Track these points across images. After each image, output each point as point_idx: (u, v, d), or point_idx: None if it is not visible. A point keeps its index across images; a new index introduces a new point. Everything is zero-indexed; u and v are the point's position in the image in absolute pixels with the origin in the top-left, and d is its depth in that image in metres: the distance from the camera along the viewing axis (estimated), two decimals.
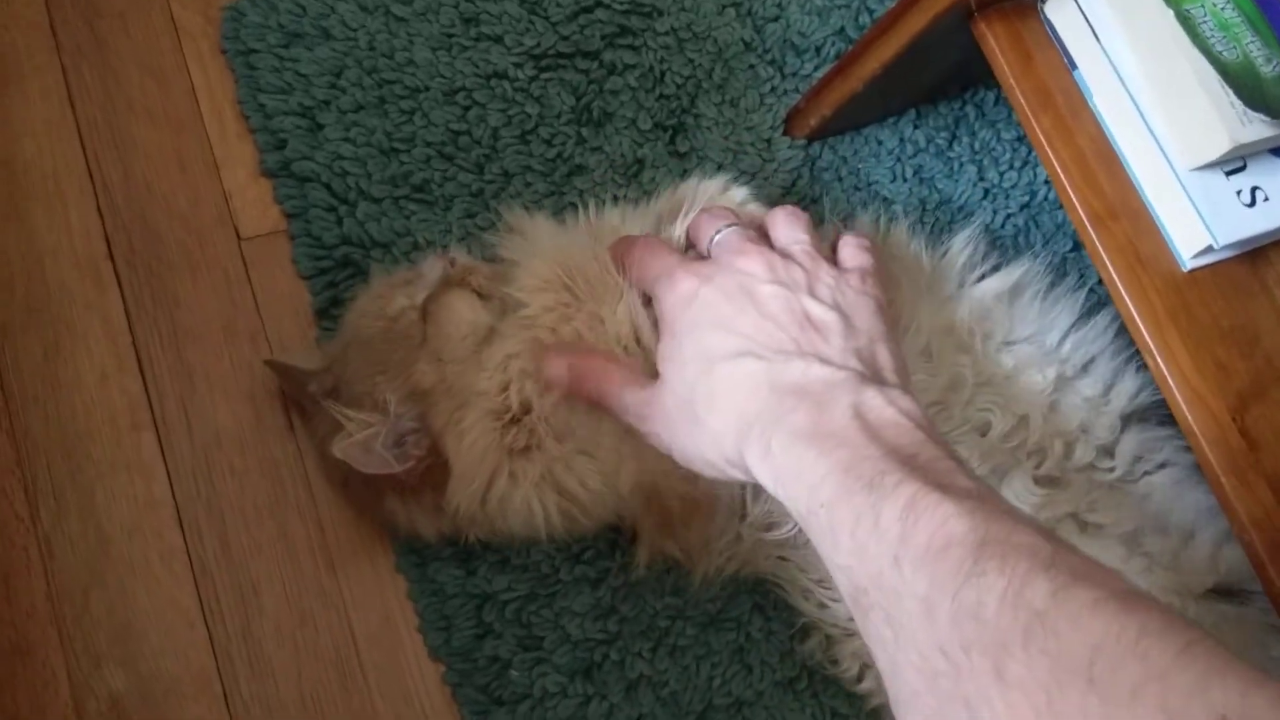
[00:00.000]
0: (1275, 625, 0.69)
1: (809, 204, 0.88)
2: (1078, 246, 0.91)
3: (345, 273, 0.77)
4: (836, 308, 0.62)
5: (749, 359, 0.58)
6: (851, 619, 0.69)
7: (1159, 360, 0.66)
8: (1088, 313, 0.78)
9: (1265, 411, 0.65)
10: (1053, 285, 0.79)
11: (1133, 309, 0.67)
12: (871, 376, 0.58)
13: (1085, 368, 0.75)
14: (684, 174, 0.86)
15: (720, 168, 0.86)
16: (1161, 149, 0.67)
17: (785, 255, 0.65)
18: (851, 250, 0.68)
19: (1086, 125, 0.70)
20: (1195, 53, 0.65)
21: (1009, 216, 0.91)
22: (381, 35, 0.83)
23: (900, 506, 0.47)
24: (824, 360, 0.58)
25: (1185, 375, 0.66)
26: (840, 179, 0.89)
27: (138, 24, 0.81)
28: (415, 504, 0.65)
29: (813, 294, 0.62)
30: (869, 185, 0.89)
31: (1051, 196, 0.91)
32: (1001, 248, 0.89)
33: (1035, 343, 0.75)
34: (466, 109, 0.83)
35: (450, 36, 0.84)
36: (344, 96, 0.81)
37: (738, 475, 0.58)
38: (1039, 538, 0.44)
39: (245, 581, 0.70)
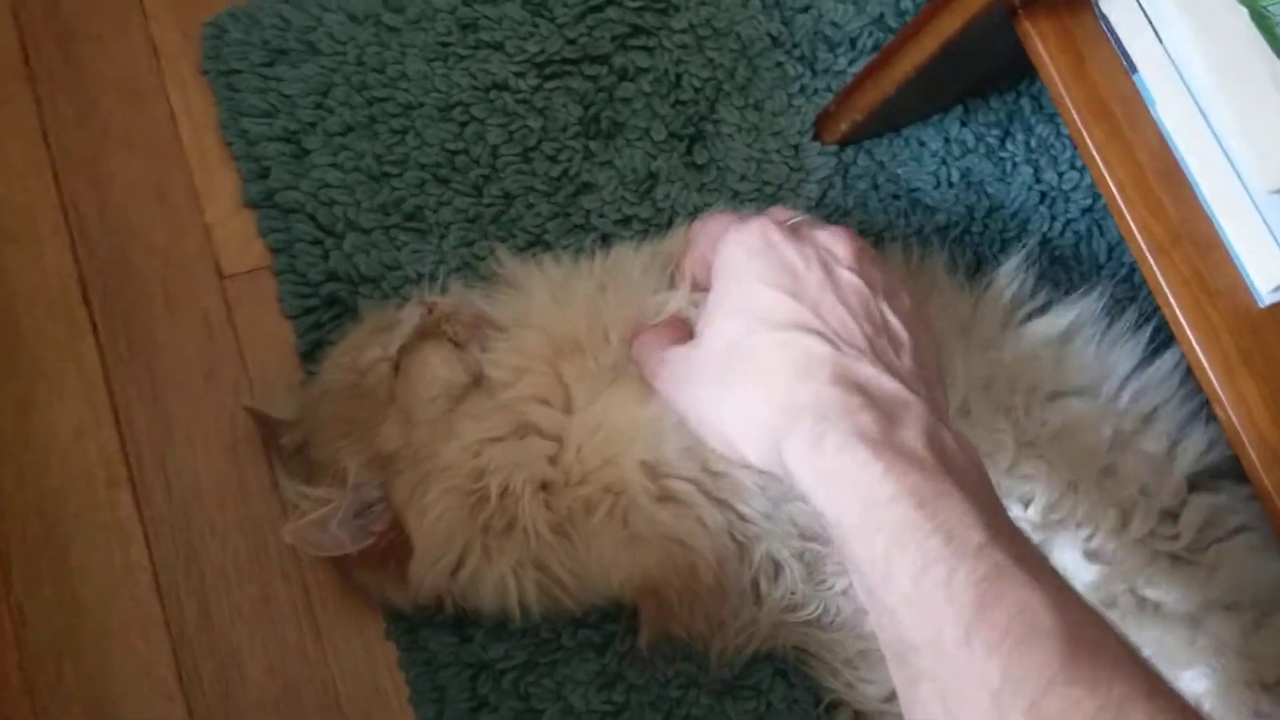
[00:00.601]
0: None
1: (842, 216, 0.82)
2: None
3: (331, 312, 0.74)
4: (911, 328, 0.57)
5: (814, 337, 0.52)
6: (886, 699, 0.66)
7: (1229, 411, 0.60)
8: (1153, 352, 0.70)
9: None
10: (1112, 321, 0.72)
11: (1199, 351, 0.61)
12: (939, 414, 0.52)
13: (1147, 419, 0.68)
14: (702, 187, 0.81)
15: (743, 179, 0.81)
16: (1235, 168, 0.60)
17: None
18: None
19: (1148, 138, 0.63)
20: (1273, 57, 0.58)
21: (1069, 222, 0.84)
22: (372, 48, 0.79)
23: (981, 574, 0.43)
24: (895, 374, 0.52)
25: (1260, 429, 0.59)
26: (877, 187, 0.83)
27: (116, 45, 0.78)
28: (383, 575, 0.62)
29: (891, 304, 0.57)
30: (910, 193, 0.83)
31: None
32: (1060, 270, 0.82)
33: (1089, 395, 0.68)
34: (464, 125, 0.78)
35: (446, 46, 0.80)
36: (331, 118, 0.77)
37: (755, 461, 0.52)
38: (1133, 655, 0.42)
39: (226, 649, 0.68)
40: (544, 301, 0.65)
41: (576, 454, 0.61)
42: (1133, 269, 0.84)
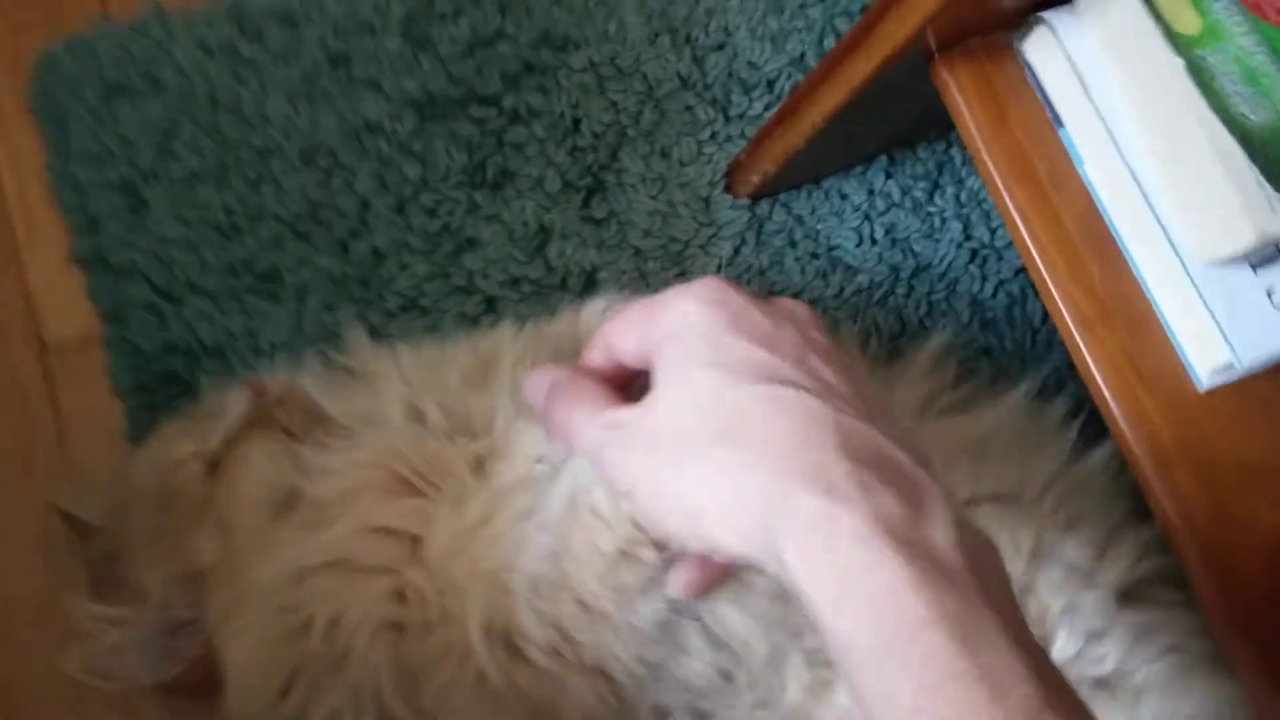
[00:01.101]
0: None
1: (755, 276, 0.77)
2: None
3: (169, 390, 0.68)
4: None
5: (806, 393, 0.45)
6: None
7: (1166, 507, 0.56)
8: (1083, 447, 0.66)
9: None
10: (1039, 410, 0.67)
11: (1132, 441, 0.56)
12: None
13: (1072, 525, 0.63)
14: (601, 244, 0.75)
15: (647, 234, 0.76)
16: (1169, 237, 0.56)
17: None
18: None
19: (1075, 200, 0.59)
20: (1211, 117, 0.54)
21: (1002, 283, 0.80)
22: (225, 83, 0.73)
23: None
24: (892, 440, 0.45)
25: (1199, 527, 0.55)
26: (794, 244, 0.78)
27: None
28: (206, 706, 0.55)
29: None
30: (829, 251, 0.79)
31: None
32: (990, 334, 0.78)
33: (1008, 501, 0.63)
34: (329, 173, 0.73)
35: (312, 82, 0.74)
36: (175, 164, 0.71)
37: (733, 545, 0.44)
38: None
39: None
40: (393, 405, 0.59)
41: (421, 599, 0.54)
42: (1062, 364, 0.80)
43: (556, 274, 0.74)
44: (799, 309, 0.51)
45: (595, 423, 0.50)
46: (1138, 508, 0.65)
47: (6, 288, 0.69)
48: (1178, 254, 0.56)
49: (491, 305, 0.73)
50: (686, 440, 0.45)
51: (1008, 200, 0.60)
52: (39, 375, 0.67)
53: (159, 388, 0.68)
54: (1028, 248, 0.59)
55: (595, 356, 0.57)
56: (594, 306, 0.65)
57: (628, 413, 0.48)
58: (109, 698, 0.62)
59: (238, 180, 0.72)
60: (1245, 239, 0.53)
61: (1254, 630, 0.54)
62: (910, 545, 0.40)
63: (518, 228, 0.75)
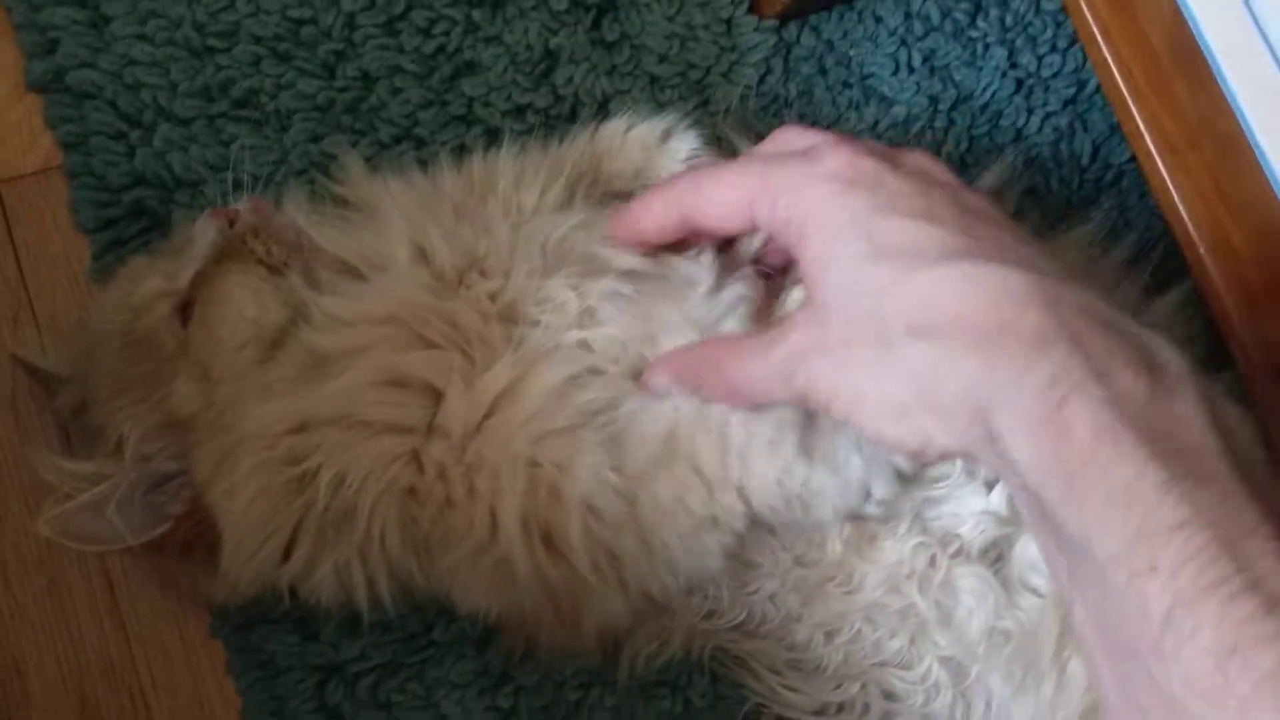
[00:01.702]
0: None
1: (783, 107, 0.71)
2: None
3: (137, 225, 0.62)
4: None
5: (984, 263, 0.40)
6: (816, 712, 0.58)
7: (1251, 353, 0.51)
8: (1143, 298, 0.62)
9: None
10: (1100, 255, 0.63)
11: (1216, 279, 0.52)
12: None
13: None
14: (612, 70, 0.68)
15: (663, 60, 0.69)
16: (1268, 43, 0.50)
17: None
18: None
19: (1163, 13, 0.53)
20: None
21: (1049, 116, 0.74)
22: None
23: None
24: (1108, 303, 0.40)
25: None
26: (824, 72, 0.72)
27: None
28: (192, 567, 0.51)
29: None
30: (863, 80, 0.72)
31: None
32: (1036, 173, 0.72)
33: None
34: None
35: None
36: None
37: (948, 441, 0.40)
38: None
39: (4, 657, 0.57)
40: (398, 243, 0.53)
41: (442, 473, 0.49)
42: (1120, 174, 0.74)
43: (565, 103, 0.68)
44: (933, 165, 0.46)
45: (770, 360, 0.45)
46: (1205, 357, 0.61)
47: None
48: (1278, 65, 0.50)
49: (494, 137, 0.66)
50: (876, 342, 0.41)
51: (1088, 14, 0.54)
52: None
53: (127, 223, 0.61)
54: (1107, 63, 0.54)
55: (661, 216, 0.51)
56: (614, 126, 0.60)
57: (799, 335, 0.44)
58: (87, 561, 0.58)
59: None
60: None
61: None
62: (1155, 433, 0.35)
63: (521, 51, 0.68)
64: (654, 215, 0.51)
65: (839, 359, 0.42)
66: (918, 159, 0.46)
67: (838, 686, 0.60)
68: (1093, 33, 0.54)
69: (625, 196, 0.59)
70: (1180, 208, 0.52)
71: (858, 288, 0.42)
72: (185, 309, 0.50)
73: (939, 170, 0.46)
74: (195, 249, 0.51)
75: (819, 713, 0.60)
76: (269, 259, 0.51)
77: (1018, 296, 0.38)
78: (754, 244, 0.54)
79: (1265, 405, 0.52)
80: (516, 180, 0.57)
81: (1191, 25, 0.52)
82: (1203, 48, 0.52)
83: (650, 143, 0.60)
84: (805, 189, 0.44)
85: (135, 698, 0.57)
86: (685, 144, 0.61)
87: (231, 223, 0.52)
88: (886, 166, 0.44)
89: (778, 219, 0.45)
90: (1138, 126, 0.53)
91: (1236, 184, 0.51)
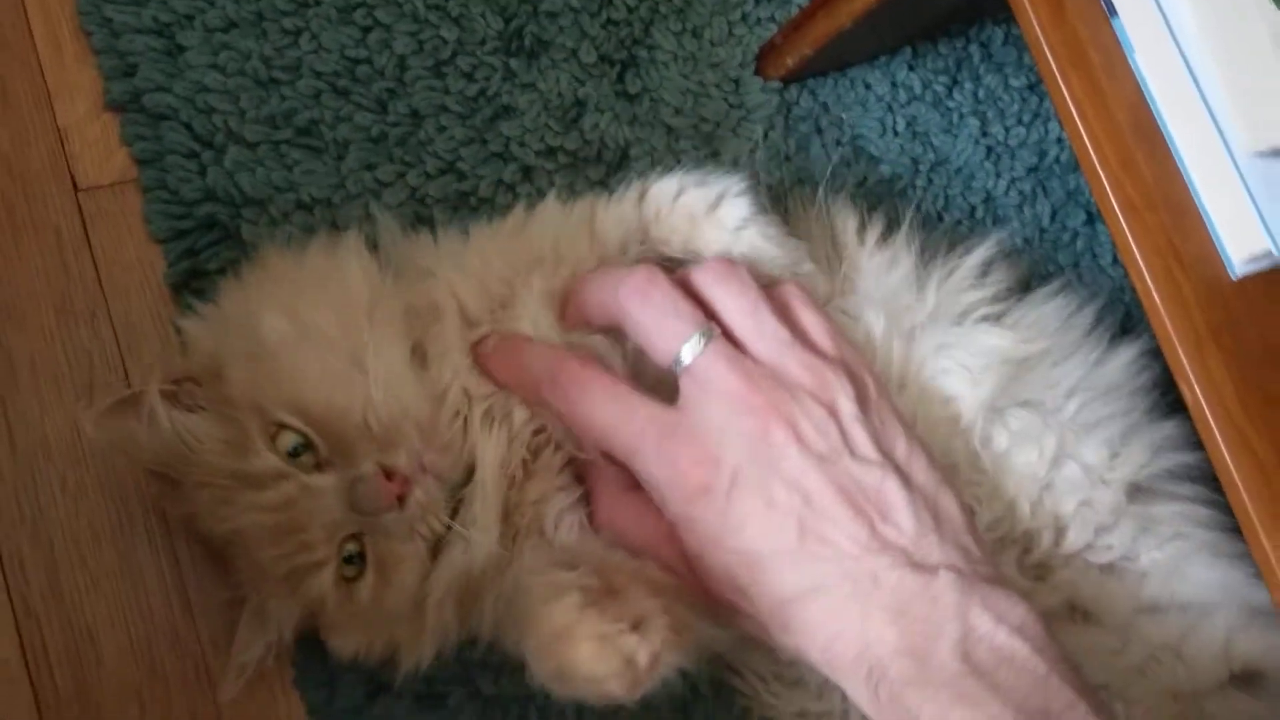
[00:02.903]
0: None
1: (783, 161, 0.78)
2: (1091, 220, 0.82)
3: (209, 236, 0.66)
4: (884, 455, 0.54)
5: (818, 597, 0.52)
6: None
7: (1197, 390, 0.58)
8: (1099, 359, 0.68)
9: None
10: (1066, 325, 0.68)
11: (1167, 323, 0.59)
12: (963, 565, 0.51)
13: (1090, 430, 0.65)
14: (634, 120, 0.75)
15: (679, 113, 0.76)
16: (1217, 126, 0.58)
17: (776, 375, 0.55)
18: (813, 318, 0.59)
19: (1125, 90, 0.60)
20: (1270, 6, 0.56)
21: (1014, 180, 0.82)
22: None
23: None
24: (907, 556, 0.51)
25: (1228, 408, 0.57)
26: (820, 131, 0.79)
27: None
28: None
29: (854, 451, 0.54)
30: (854, 140, 0.79)
31: (1064, 158, 0.83)
32: (1001, 229, 0.79)
33: (1036, 409, 0.65)
34: (367, 31, 0.71)
35: None
36: (212, 10, 0.69)
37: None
38: None
39: (79, 626, 0.60)
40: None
41: None
42: (1075, 234, 0.82)
43: (592, 146, 0.74)
44: (780, 353, 0.56)
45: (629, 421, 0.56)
46: (1153, 409, 0.69)
47: (38, 132, 0.66)
48: (1224, 143, 0.58)
49: (528, 174, 0.72)
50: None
51: (1063, 87, 0.61)
52: (76, 219, 0.65)
53: (199, 234, 0.65)
54: (1079, 134, 0.61)
55: (596, 312, 0.59)
56: (664, 190, 0.62)
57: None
58: (156, 539, 0.62)
59: (275, 31, 0.69)
60: None
61: (1272, 501, 0.57)
62: (922, 686, 0.48)
63: (553, 98, 0.74)
64: (591, 308, 0.59)
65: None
66: (795, 365, 0.56)
67: (819, 697, 0.64)
68: (1069, 109, 0.61)
69: (676, 262, 0.62)
70: (1139, 260, 0.59)
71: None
72: None
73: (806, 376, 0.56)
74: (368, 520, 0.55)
75: (800, 715, 0.65)
76: (431, 536, 0.56)
77: (841, 623, 0.51)
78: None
79: (1204, 434, 0.59)
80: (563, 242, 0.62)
81: (1152, 106, 0.60)
82: (1160, 126, 0.60)
83: (698, 213, 0.61)
84: (702, 413, 0.55)
85: (198, 664, 0.60)
86: (735, 213, 0.61)
87: (401, 500, 0.54)
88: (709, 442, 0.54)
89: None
90: (1105, 189, 0.60)
91: (1187, 242, 0.59)
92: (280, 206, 0.67)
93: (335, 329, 0.56)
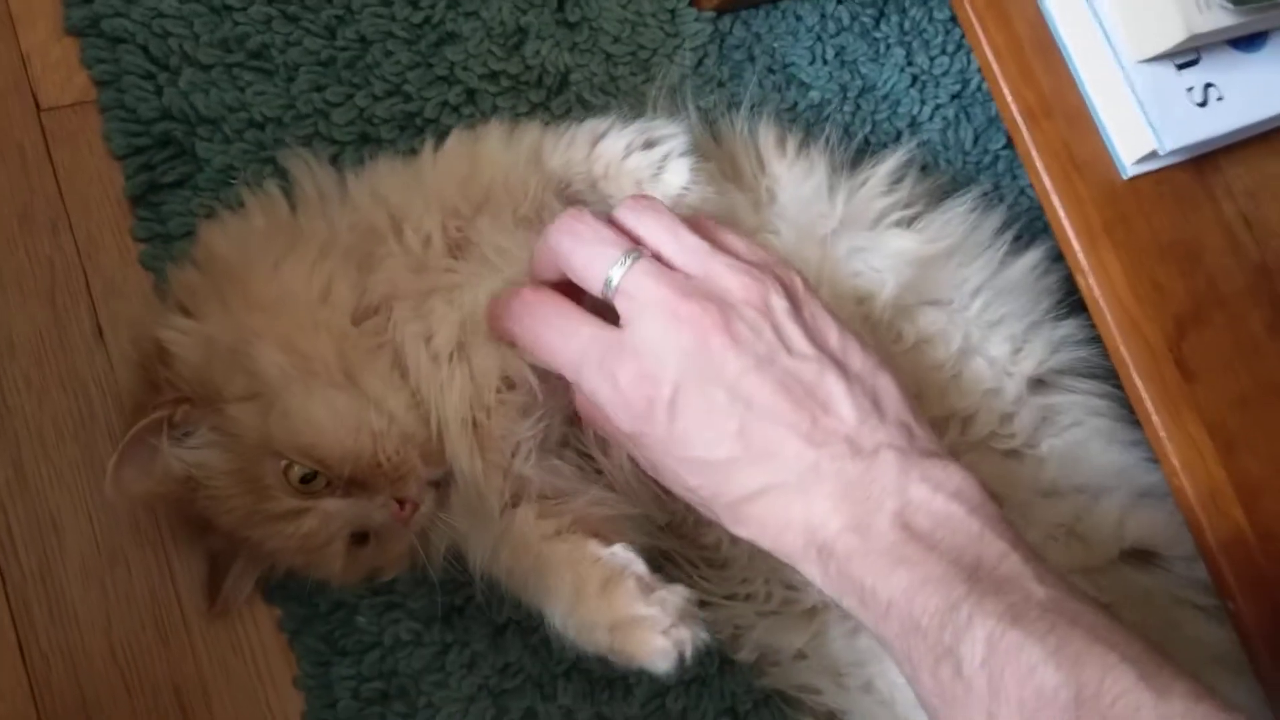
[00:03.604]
0: (1185, 599, 0.66)
1: (716, 87, 0.80)
2: (1010, 143, 0.85)
3: (165, 152, 0.68)
4: (819, 349, 0.56)
5: (767, 495, 0.54)
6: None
7: (1090, 280, 0.62)
8: (1008, 258, 0.71)
9: (1204, 339, 0.61)
10: (976, 223, 0.72)
11: (1064, 220, 0.63)
12: (903, 443, 0.53)
13: (994, 326, 0.69)
14: (574, 47, 0.78)
15: (617, 41, 0.78)
16: (1107, 37, 0.62)
17: (707, 286, 0.56)
18: (733, 236, 0.60)
19: (1024, 7, 0.64)
20: None
21: (938, 107, 0.85)
22: None
23: (980, 652, 0.46)
24: (849, 442, 0.53)
25: (1119, 297, 0.62)
26: (753, 59, 0.82)
27: None
28: None
29: (789, 348, 0.55)
30: (785, 68, 0.82)
31: (985, 87, 0.86)
32: (926, 153, 0.83)
33: (943, 307, 0.69)
34: None
35: None
36: None
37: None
38: (1135, 679, 0.44)
39: (43, 514, 0.63)
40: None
41: None
42: (996, 158, 0.86)
43: (533, 72, 0.76)
44: (707, 263, 0.57)
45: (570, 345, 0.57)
46: (1053, 308, 0.72)
47: (2, 56, 0.68)
48: (1114, 53, 0.62)
49: (472, 97, 0.75)
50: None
51: (968, 7, 0.65)
52: (38, 136, 0.67)
53: (155, 151, 0.68)
54: (982, 48, 0.64)
55: (547, 269, 0.60)
56: (610, 149, 0.64)
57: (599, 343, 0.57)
58: (110, 430, 0.64)
59: None
60: (1177, 34, 0.58)
61: (1168, 389, 0.61)
62: (864, 557, 0.51)
63: (496, 26, 0.76)
64: (539, 264, 0.60)
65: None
66: (721, 273, 0.57)
67: (744, 580, 0.68)
68: (972, 25, 0.64)
69: None
70: (1038, 163, 0.63)
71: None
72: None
73: (733, 280, 0.57)
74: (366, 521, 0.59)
75: (730, 597, 0.69)
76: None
77: (784, 518, 0.54)
78: None
79: (1099, 323, 0.63)
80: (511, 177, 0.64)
81: (1049, 22, 0.64)
82: (1057, 40, 0.63)
83: (644, 177, 0.63)
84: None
85: (157, 550, 0.63)
86: (677, 180, 0.63)
87: (408, 518, 0.59)
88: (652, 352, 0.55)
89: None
90: (1006, 99, 0.63)
91: (1081, 145, 0.62)
92: (233, 125, 0.69)
93: (330, 352, 0.59)
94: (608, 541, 0.59)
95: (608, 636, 0.56)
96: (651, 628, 0.54)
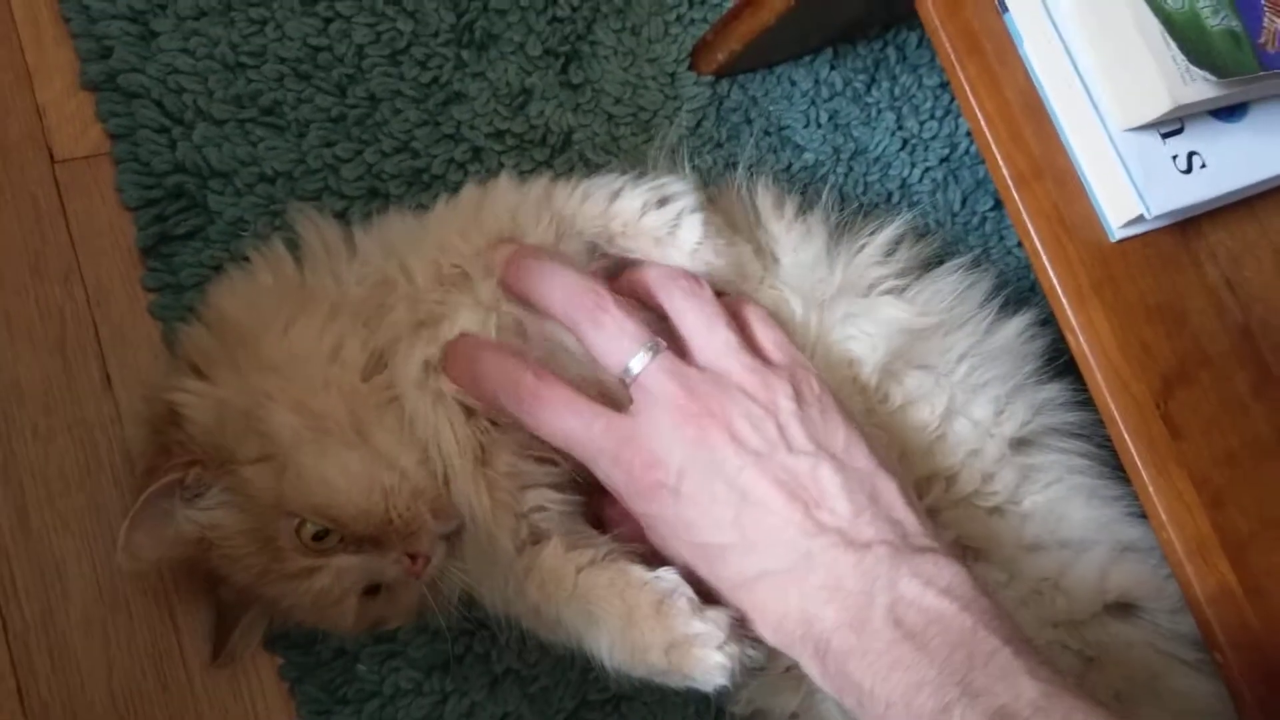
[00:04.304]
0: (1169, 652, 0.66)
1: (714, 148, 0.82)
2: (998, 205, 0.87)
3: (177, 204, 0.69)
4: (819, 447, 0.58)
5: (763, 581, 0.55)
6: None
7: (1080, 339, 0.63)
8: (990, 327, 0.72)
9: (1190, 398, 0.62)
10: (964, 292, 0.73)
11: (1055, 280, 0.64)
12: (896, 539, 0.55)
13: (979, 389, 0.70)
14: (577, 108, 0.79)
15: (618, 102, 0.80)
16: (1095, 106, 0.63)
17: (719, 383, 0.59)
18: (765, 330, 0.64)
19: (1015, 75, 0.66)
20: (1139, 1, 0.61)
21: (928, 170, 0.87)
22: None
23: None
24: (842, 535, 0.55)
25: (1108, 355, 0.63)
26: (749, 121, 0.83)
27: None
28: None
29: (789, 445, 0.58)
30: (780, 130, 0.84)
31: (973, 150, 0.88)
32: (916, 216, 0.84)
33: (930, 371, 0.70)
34: (328, 21, 0.75)
35: None
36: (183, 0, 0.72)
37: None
38: None
39: (47, 561, 0.62)
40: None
41: None
42: (984, 218, 0.87)
43: (537, 131, 0.78)
44: (727, 359, 0.60)
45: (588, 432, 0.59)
46: (1039, 373, 0.73)
47: (17, 107, 0.68)
48: (1100, 119, 0.63)
49: (478, 154, 0.76)
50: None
51: (960, 73, 0.66)
52: (51, 188, 0.67)
53: (168, 203, 0.69)
54: (975, 113, 0.66)
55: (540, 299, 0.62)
56: (628, 208, 0.65)
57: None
58: (117, 478, 0.64)
59: (241, 21, 0.73)
60: (1162, 104, 0.60)
61: (1155, 445, 0.62)
62: (861, 656, 0.52)
63: (502, 86, 0.78)
64: (535, 299, 0.62)
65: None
66: (737, 375, 0.60)
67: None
68: (965, 92, 0.66)
69: None
70: (1029, 225, 0.64)
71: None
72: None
73: (745, 377, 0.60)
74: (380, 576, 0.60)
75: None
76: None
77: (783, 603, 0.55)
78: None
79: (1092, 384, 0.64)
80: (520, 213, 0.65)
81: (1039, 90, 0.65)
82: (1047, 107, 0.65)
83: (660, 235, 0.64)
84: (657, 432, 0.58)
85: (160, 600, 0.63)
86: (691, 236, 0.64)
87: (420, 572, 0.59)
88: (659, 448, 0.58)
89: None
90: (997, 163, 0.65)
91: (1071, 208, 0.64)
92: (245, 179, 0.70)
93: (341, 410, 0.59)
94: (646, 566, 0.60)
95: (664, 657, 0.56)
96: (707, 644, 0.56)
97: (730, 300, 0.66)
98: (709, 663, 0.56)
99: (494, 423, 0.62)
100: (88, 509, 0.63)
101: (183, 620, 0.64)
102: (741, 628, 0.57)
